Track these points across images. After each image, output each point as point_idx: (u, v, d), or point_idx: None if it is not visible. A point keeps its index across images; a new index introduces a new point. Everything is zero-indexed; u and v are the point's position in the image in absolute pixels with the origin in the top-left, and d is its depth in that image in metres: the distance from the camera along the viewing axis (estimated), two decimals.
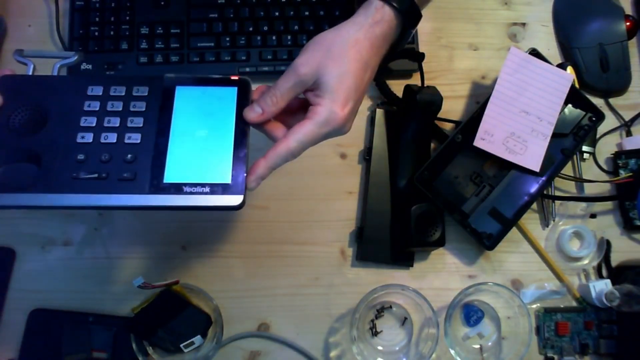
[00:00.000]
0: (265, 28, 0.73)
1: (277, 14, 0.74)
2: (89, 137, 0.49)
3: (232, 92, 0.53)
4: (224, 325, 0.65)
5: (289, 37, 0.73)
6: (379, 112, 0.72)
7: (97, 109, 0.51)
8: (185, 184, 0.48)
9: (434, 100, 0.69)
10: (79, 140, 0.49)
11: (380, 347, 0.68)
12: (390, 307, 0.69)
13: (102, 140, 0.49)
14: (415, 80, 0.75)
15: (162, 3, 0.74)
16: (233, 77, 0.53)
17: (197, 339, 0.62)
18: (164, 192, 0.48)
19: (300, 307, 0.69)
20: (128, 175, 0.48)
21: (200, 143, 0.50)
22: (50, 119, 0.50)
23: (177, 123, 0.51)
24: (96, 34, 0.72)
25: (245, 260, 0.70)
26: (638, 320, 0.66)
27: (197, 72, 0.72)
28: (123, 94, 0.51)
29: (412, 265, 0.70)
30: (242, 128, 0.51)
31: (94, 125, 0.50)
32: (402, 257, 0.70)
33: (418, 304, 0.66)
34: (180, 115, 0.51)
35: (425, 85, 0.71)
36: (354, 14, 0.55)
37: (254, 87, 0.54)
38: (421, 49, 0.74)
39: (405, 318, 0.69)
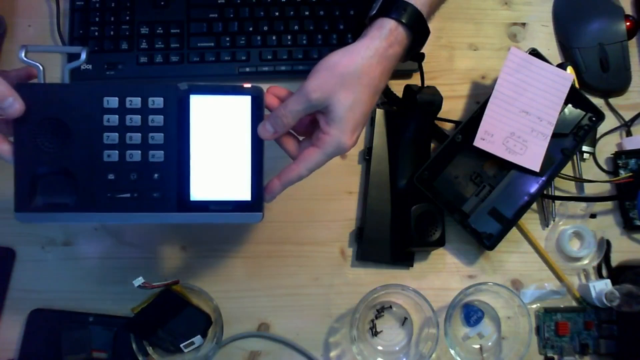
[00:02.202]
0: (265, 28, 0.73)
1: (277, 14, 0.74)
2: (114, 156, 0.52)
3: (245, 102, 0.53)
4: (224, 325, 0.65)
5: (289, 37, 0.73)
6: (379, 112, 0.72)
7: (117, 123, 0.52)
8: (210, 202, 0.52)
9: (434, 100, 0.69)
10: (105, 159, 0.52)
11: (380, 347, 0.68)
12: (390, 307, 0.69)
13: (128, 159, 0.52)
14: (415, 80, 0.75)
15: (162, 3, 0.74)
16: (246, 85, 0.53)
17: (197, 339, 0.62)
18: (192, 210, 0.52)
19: (300, 307, 0.69)
20: (157, 194, 0.52)
21: (218, 157, 0.53)
22: (73, 134, 0.52)
23: (195, 137, 0.53)
24: (96, 34, 0.72)
25: (245, 260, 0.70)
26: (638, 320, 0.66)
27: (197, 71, 0.72)
28: (139, 106, 0.52)
29: (412, 265, 0.70)
30: (257, 140, 0.53)
31: (116, 142, 0.52)
32: (402, 257, 0.70)
33: (418, 304, 0.66)
34: (197, 128, 0.53)
35: (425, 85, 0.71)
36: (363, 30, 0.54)
37: (264, 86, 0.55)
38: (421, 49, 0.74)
39: (405, 318, 0.69)
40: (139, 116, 0.52)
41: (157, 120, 0.52)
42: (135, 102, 0.52)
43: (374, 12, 0.55)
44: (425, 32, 0.57)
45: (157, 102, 0.52)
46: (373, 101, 0.53)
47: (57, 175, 0.52)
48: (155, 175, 0.52)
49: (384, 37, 0.53)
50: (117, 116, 0.52)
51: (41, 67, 0.53)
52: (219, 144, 0.53)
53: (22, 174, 0.51)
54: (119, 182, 0.52)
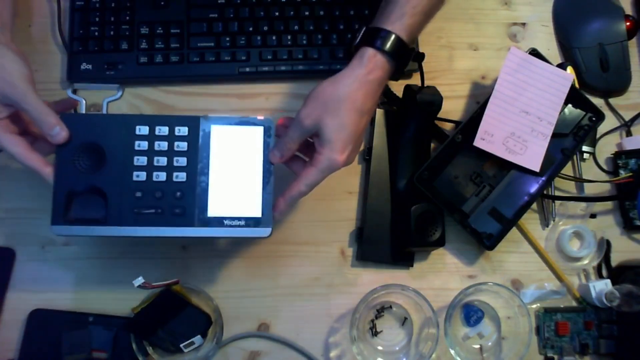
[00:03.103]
0: (265, 28, 0.73)
1: (277, 14, 0.74)
2: (142, 176, 0.58)
3: (258, 131, 0.60)
4: (224, 325, 0.65)
5: (289, 37, 0.73)
6: (379, 112, 0.72)
7: (146, 148, 0.58)
8: (225, 218, 0.58)
9: (434, 100, 0.69)
10: (134, 178, 0.58)
11: (380, 347, 0.68)
12: (390, 307, 0.69)
13: (154, 179, 0.58)
14: (415, 80, 0.74)
15: (162, 3, 0.74)
16: (259, 118, 0.60)
17: (197, 339, 0.62)
18: (209, 225, 0.58)
19: (300, 307, 0.69)
20: (179, 210, 0.58)
21: (234, 179, 0.59)
22: (108, 157, 0.58)
23: (214, 161, 0.59)
24: (96, 34, 0.72)
25: (245, 260, 0.70)
26: (638, 320, 0.67)
27: (197, 71, 0.73)
28: (167, 133, 0.59)
29: (412, 265, 0.70)
30: (268, 165, 0.60)
31: (145, 164, 0.58)
32: (402, 257, 0.70)
33: (418, 304, 0.66)
34: (215, 153, 0.59)
35: (425, 85, 0.71)
36: (350, 59, 0.59)
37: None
38: (421, 49, 0.74)
39: (405, 318, 0.69)
40: (166, 142, 0.59)
41: (182, 146, 0.59)
42: (163, 130, 0.59)
43: (356, 41, 0.60)
44: (408, 54, 0.60)
45: (183, 130, 0.59)
46: (360, 122, 0.58)
47: (90, 193, 0.57)
48: (178, 193, 0.58)
49: (363, 65, 0.58)
50: (146, 142, 0.58)
51: (84, 101, 0.63)
52: (235, 167, 0.59)
53: (60, 192, 0.57)
54: (145, 199, 0.58)
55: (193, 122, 0.59)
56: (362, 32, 0.60)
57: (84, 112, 0.62)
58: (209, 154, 0.59)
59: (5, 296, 0.67)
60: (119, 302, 0.66)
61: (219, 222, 0.58)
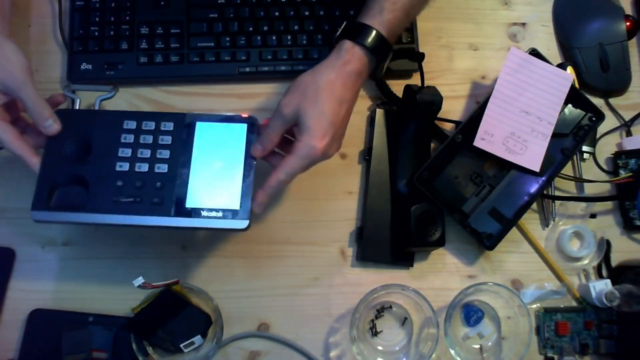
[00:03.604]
0: (265, 28, 0.73)
1: (277, 14, 0.74)
2: (125, 166, 0.59)
3: (242, 128, 0.61)
4: (224, 325, 0.65)
5: (289, 37, 0.73)
6: (379, 112, 0.72)
7: (132, 141, 0.60)
8: (203, 209, 0.58)
9: (434, 100, 0.69)
10: (117, 168, 0.59)
11: (380, 347, 0.68)
12: (390, 307, 0.69)
13: (136, 170, 0.59)
14: (415, 80, 0.75)
15: (162, 3, 0.74)
16: (244, 115, 0.62)
17: (197, 339, 0.62)
18: (186, 216, 0.58)
19: (300, 307, 0.69)
20: (157, 200, 0.58)
21: (215, 172, 0.60)
22: (94, 149, 0.60)
23: (196, 155, 0.60)
24: (96, 34, 0.72)
25: (245, 260, 0.70)
26: (638, 320, 0.67)
27: (197, 71, 0.73)
28: (153, 128, 0.61)
29: (412, 265, 0.70)
30: (249, 160, 0.60)
31: (129, 155, 0.60)
32: (402, 257, 0.70)
33: (418, 304, 0.66)
34: (199, 148, 0.60)
35: (425, 85, 0.71)
36: (331, 51, 0.61)
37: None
38: (421, 49, 0.74)
39: (405, 318, 0.69)
40: (151, 136, 0.60)
41: (166, 139, 0.60)
42: (149, 125, 0.61)
43: (337, 35, 0.62)
44: (387, 49, 0.62)
45: (168, 125, 0.61)
46: (340, 111, 0.59)
47: (74, 182, 0.59)
48: (158, 184, 0.59)
49: (341, 56, 0.60)
50: (132, 135, 0.60)
51: (78, 99, 0.66)
52: (217, 161, 0.60)
53: (44, 179, 0.59)
54: (126, 188, 0.59)
55: (178, 118, 0.61)
56: (342, 27, 0.62)
57: (77, 107, 0.64)
58: (192, 148, 0.60)
59: (5, 296, 0.67)
60: (119, 302, 0.66)
61: (196, 213, 0.58)
